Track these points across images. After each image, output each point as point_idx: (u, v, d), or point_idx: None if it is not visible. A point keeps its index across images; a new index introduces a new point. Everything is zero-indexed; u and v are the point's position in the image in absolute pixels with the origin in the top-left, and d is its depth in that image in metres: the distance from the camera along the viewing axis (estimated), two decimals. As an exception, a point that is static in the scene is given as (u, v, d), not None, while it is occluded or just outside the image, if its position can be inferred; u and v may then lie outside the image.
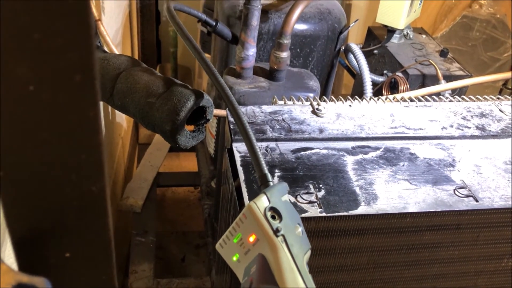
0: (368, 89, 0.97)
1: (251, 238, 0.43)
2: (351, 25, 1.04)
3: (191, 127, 0.58)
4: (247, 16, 0.80)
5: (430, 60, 1.08)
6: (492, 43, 1.98)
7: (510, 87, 1.79)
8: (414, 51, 1.24)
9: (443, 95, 1.02)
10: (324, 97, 0.77)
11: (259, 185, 0.49)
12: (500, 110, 0.79)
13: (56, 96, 0.20)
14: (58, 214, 0.24)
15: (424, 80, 1.14)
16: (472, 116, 0.77)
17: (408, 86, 1.10)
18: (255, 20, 0.80)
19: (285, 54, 0.84)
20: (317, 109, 0.73)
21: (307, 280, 0.42)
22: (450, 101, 0.81)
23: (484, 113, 0.78)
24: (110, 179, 1.24)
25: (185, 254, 1.44)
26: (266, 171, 0.48)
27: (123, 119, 1.42)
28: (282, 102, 0.75)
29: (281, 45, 0.83)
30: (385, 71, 1.23)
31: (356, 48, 1.03)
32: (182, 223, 1.55)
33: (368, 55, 1.34)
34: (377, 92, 1.19)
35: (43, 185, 0.23)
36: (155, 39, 2.37)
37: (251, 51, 0.83)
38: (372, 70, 1.33)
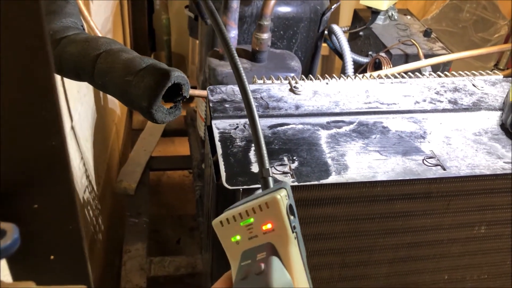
0: (349, 68, 1.00)
1: (265, 227, 0.44)
2: (333, 7, 1.07)
3: (169, 105, 0.61)
4: (227, -1, 0.83)
5: (412, 40, 1.11)
6: (482, 24, 2.00)
7: (501, 67, 1.81)
8: (398, 31, 1.26)
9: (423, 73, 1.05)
10: (303, 76, 0.80)
11: (260, 177, 0.49)
12: (473, 85, 0.82)
13: (11, 56, 0.23)
14: (24, 168, 0.27)
15: (407, 59, 1.16)
16: (445, 91, 0.80)
17: (391, 65, 1.13)
18: (235, 3, 0.82)
19: (266, 36, 0.87)
20: (294, 87, 0.76)
21: (309, 278, 0.44)
22: (427, 77, 0.84)
23: (457, 88, 0.81)
24: (105, 163, 1.27)
25: (180, 237, 1.48)
26: (268, 166, 0.49)
27: (116, 106, 1.45)
28: (261, 81, 0.78)
29: (261, 27, 0.86)
30: (370, 52, 1.26)
31: (337, 29, 1.05)
32: (177, 207, 1.59)
33: (354, 37, 1.37)
34: (362, 73, 1.21)
35: (7, 141, 0.26)
36: (149, 27, 2.40)
37: (233, 33, 0.86)
38: (358, 51, 1.35)
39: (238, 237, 0.45)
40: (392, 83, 0.80)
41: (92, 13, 1.08)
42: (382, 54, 1.16)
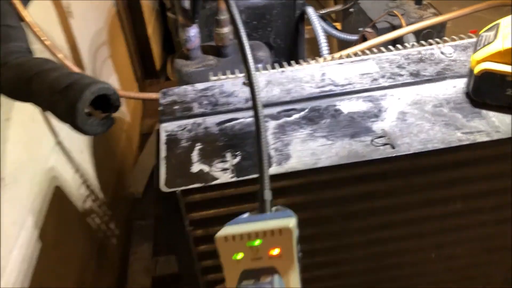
0: (324, 49, 0.97)
1: (273, 252, 0.45)
2: (306, -11, 1.04)
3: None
4: (180, -1, 0.83)
5: (394, 11, 1.06)
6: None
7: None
8: (387, 3, 1.21)
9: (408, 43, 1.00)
10: (259, 66, 0.79)
11: (260, 200, 0.50)
12: (441, 53, 0.77)
13: None
14: None
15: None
16: (408, 63, 0.76)
17: (378, 40, 1.09)
18: (186, 3, 0.82)
19: (225, 30, 0.86)
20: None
21: None
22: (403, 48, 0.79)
23: (422, 58, 0.77)
24: (113, 170, 1.32)
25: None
26: (269, 188, 0.50)
27: (124, 114, 1.49)
28: (216, 78, 0.78)
29: (219, 22, 0.85)
30: (360, 29, 1.22)
31: (310, 11, 1.02)
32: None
33: (347, 14, 1.33)
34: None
35: None
36: (165, 29, 2.43)
37: (192, 32, 0.86)
38: (352, 29, 1.31)
39: (240, 256, 0.46)
40: (352, 62, 0.77)
41: (74, 28, 1.12)
42: (368, 29, 1.11)
